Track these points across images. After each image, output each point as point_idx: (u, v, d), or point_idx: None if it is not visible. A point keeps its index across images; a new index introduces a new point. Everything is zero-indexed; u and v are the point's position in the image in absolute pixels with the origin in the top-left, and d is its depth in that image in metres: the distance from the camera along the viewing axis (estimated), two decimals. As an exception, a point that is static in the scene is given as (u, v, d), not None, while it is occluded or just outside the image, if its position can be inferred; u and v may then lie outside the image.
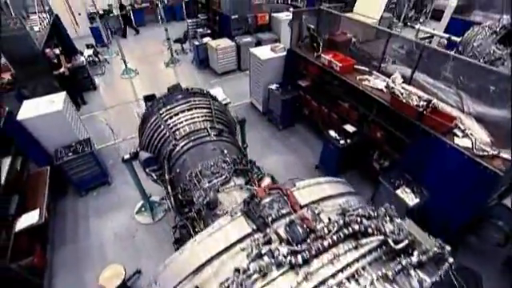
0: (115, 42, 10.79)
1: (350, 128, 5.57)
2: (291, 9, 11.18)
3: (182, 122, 3.57)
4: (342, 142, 5.37)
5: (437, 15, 16.10)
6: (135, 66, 10.91)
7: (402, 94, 4.64)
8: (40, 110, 5.22)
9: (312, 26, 6.30)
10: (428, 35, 10.71)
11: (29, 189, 4.81)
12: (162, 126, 3.58)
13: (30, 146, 5.23)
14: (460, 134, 4.21)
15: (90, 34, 12.83)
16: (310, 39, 6.43)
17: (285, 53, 6.87)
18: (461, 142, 4.09)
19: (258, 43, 9.91)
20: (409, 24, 11.83)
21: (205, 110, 3.75)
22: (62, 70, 8.01)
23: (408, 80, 5.15)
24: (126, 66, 10.32)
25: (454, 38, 8.55)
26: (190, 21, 12.48)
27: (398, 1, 14.79)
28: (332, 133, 5.52)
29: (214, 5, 11.14)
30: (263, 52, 7.04)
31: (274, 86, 6.92)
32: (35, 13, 8.89)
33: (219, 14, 10.80)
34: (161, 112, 3.67)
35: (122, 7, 13.71)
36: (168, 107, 3.71)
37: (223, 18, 10.42)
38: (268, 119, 7.64)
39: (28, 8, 9.39)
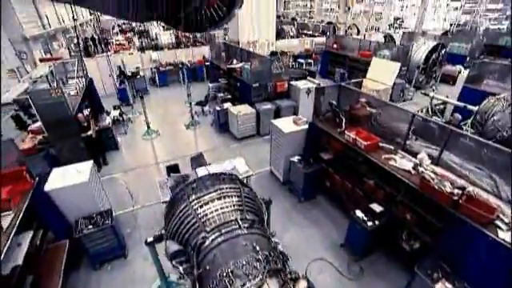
0: (139, 101, 11.41)
1: (377, 208, 5.34)
2: (309, 77, 11.85)
3: (212, 213, 3.47)
4: (369, 223, 5.12)
5: (446, 79, 16.93)
6: (157, 126, 11.30)
7: (433, 179, 4.52)
8: (67, 180, 5.25)
9: (334, 103, 6.51)
10: (441, 101, 10.99)
11: (45, 266, 4.61)
12: (192, 215, 3.49)
13: (53, 217, 5.15)
14: (503, 226, 3.95)
15: (116, 92, 13.68)
16: (333, 114, 6.59)
17: (307, 126, 6.98)
18: (506, 236, 3.82)
19: (277, 110, 10.26)
20: (422, 92, 12.23)
21: (235, 199, 3.67)
22: (89, 132, 8.37)
23: (435, 160, 5.10)
24: (148, 127, 10.72)
25: (470, 106, 8.69)
26: (211, 85, 13.27)
27: (408, 67, 15.67)
28: (359, 213, 5.29)
29: (235, 72, 11.86)
30: (285, 124, 7.17)
31: (295, 159, 6.89)
32: (73, 78, 9.69)
33: (240, 81, 11.41)
34: (191, 200, 3.61)
35: (121, 73, 14.31)
36: (198, 195, 3.65)
37: (244, 86, 10.98)
38: (289, 189, 7.48)
39: (68, 73, 10.33)
